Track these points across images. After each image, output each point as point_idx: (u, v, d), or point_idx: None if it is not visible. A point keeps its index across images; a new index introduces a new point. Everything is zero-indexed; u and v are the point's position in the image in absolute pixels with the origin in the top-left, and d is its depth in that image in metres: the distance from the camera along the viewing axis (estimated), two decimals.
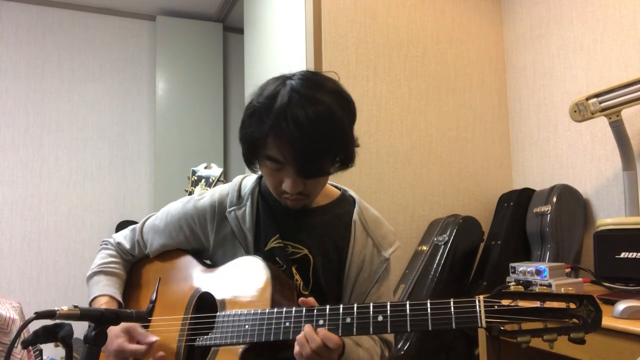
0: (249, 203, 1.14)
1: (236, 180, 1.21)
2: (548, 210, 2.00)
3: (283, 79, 1.02)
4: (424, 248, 2.12)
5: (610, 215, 1.97)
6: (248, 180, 1.20)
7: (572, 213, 2.03)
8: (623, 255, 1.53)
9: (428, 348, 1.92)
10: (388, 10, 2.28)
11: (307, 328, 0.91)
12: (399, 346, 1.91)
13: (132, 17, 3.73)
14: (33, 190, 3.37)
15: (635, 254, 1.51)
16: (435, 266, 2.03)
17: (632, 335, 1.18)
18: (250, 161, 1.08)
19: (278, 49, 2.49)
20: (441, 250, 2.05)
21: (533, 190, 2.20)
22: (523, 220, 2.12)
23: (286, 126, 0.95)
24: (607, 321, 1.25)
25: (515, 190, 2.25)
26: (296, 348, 0.92)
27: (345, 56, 2.17)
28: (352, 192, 1.21)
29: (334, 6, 2.17)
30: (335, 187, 1.23)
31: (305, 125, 0.94)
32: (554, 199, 2.01)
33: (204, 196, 1.19)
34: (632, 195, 1.78)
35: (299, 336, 0.91)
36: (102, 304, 1.15)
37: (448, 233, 2.08)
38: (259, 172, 1.14)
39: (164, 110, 3.63)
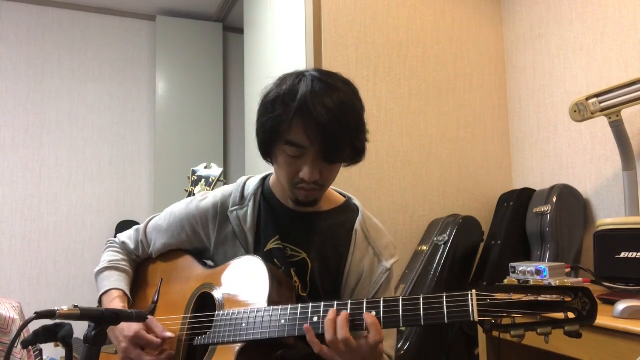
0: (251, 204, 1.15)
1: (240, 180, 1.22)
2: (548, 210, 2.00)
3: (300, 72, 1.06)
4: (424, 248, 2.12)
5: (610, 215, 1.97)
6: (252, 181, 1.21)
7: (572, 213, 2.03)
8: (623, 255, 1.53)
9: (428, 348, 1.92)
10: (388, 10, 2.28)
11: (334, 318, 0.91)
12: (399, 346, 1.91)
13: (132, 17, 3.74)
14: (33, 190, 3.38)
15: (635, 254, 1.50)
16: (435, 266, 2.03)
17: (632, 335, 1.18)
18: (268, 150, 1.08)
19: (278, 49, 2.49)
20: (441, 250, 2.05)
21: (533, 190, 2.20)
22: (523, 220, 2.12)
23: (314, 109, 0.97)
24: (607, 321, 1.25)
25: (515, 190, 2.25)
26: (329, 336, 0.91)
27: (345, 56, 2.17)
28: (356, 201, 1.22)
29: (334, 6, 2.17)
30: (341, 194, 1.24)
31: (332, 108, 0.98)
32: (554, 199, 2.01)
33: (207, 197, 1.20)
34: (632, 195, 1.78)
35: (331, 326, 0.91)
36: (114, 297, 1.16)
37: (448, 233, 2.08)
38: (270, 167, 1.14)
39: (164, 110, 3.63)
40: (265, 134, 1.05)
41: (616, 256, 1.54)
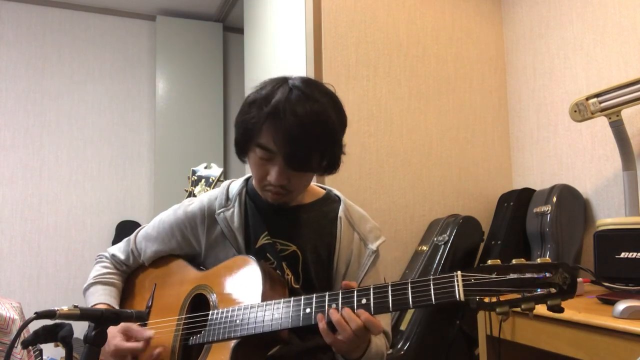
0: (236, 204, 1.18)
1: (224, 184, 1.25)
2: (548, 210, 2.00)
3: (284, 78, 1.08)
4: (424, 248, 2.12)
5: (610, 215, 1.97)
6: (235, 183, 1.24)
7: (572, 213, 2.03)
8: (623, 255, 1.53)
9: (428, 348, 1.92)
10: (388, 10, 2.28)
11: (347, 310, 0.92)
12: (398, 346, 1.91)
13: (132, 17, 3.74)
14: (33, 190, 3.38)
15: (635, 254, 1.51)
16: (435, 266, 2.03)
17: (632, 335, 1.18)
18: (242, 149, 1.11)
19: (278, 49, 2.49)
20: (441, 250, 2.05)
21: (533, 190, 2.20)
22: (523, 220, 2.12)
23: (284, 116, 0.99)
24: (607, 321, 1.25)
25: (515, 190, 2.25)
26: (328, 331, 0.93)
27: (345, 56, 2.17)
28: (336, 192, 1.25)
29: (334, 6, 2.17)
30: (320, 187, 1.27)
31: (302, 117, 0.99)
32: (554, 199, 2.01)
33: (194, 202, 1.22)
34: (632, 195, 1.78)
35: (335, 319, 0.92)
36: None
37: (448, 233, 2.08)
38: (246, 164, 1.16)
39: (164, 110, 3.63)
40: (239, 134, 1.09)
41: (616, 256, 1.54)
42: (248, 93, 1.11)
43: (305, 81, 1.06)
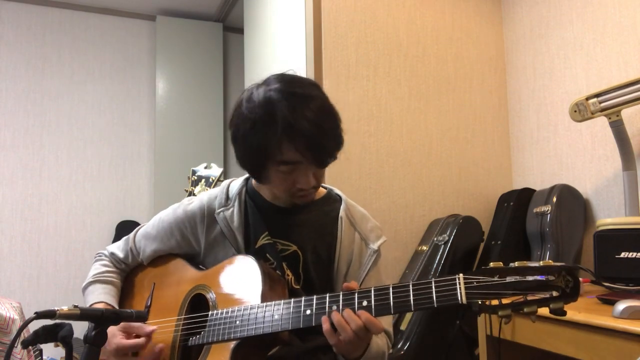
0: (236, 203, 1.17)
1: (224, 183, 1.24)
2: (548, 210, 2.00)
3: (264, 84, 1.05)
4: (424, 248, 2.12)
5: (610, 215, 1.97)
6: (235, 182, 1.23)
7: (572, 213, 2.03)
8: (623, 255, 1.53)
9: (428, 348, 1.92)
10: (388, 10, 2.28)
11: (347, 311, 0.92)
12: (399, 346, 1.91)
13: (132, 17, 3.73)
14: (33, 190, 3.37)
15: (635, 254, 1.50)
16: (435, 266, 2.03)
17: (632, 335, 1.18)
18: (259, 172, 1.08)
19: (278, 49, 2.49)
20: (441, 250, 2.05)
21: (533, 190, 2.20)
22: (523, 220, 2.12)
23: (299, 127, 0.98)
24: (607, 321, 1.25)
25: (515, 190, 2.25)
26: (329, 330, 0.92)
27: (345, 56, 2.17)
28: (338, 191, 1.24)
29: (334, 6, 2.17)
30: (322, 186, 1.26)
31: (315, 120, 0.99)
32: (554, 199, 2.01)
33: (193, 201, 1.22)
34: (632, 195, 1.78)
35: (336, 320, 0.91)
36: None
37: (448, 233, 2.08)
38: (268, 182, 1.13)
39: (164, 110, 3.63)
40: (253, 159, 1.06)
41: (616, 256, 1.54)
42: (231, 110, 1.09)
43: (287, 82, 1.04)
